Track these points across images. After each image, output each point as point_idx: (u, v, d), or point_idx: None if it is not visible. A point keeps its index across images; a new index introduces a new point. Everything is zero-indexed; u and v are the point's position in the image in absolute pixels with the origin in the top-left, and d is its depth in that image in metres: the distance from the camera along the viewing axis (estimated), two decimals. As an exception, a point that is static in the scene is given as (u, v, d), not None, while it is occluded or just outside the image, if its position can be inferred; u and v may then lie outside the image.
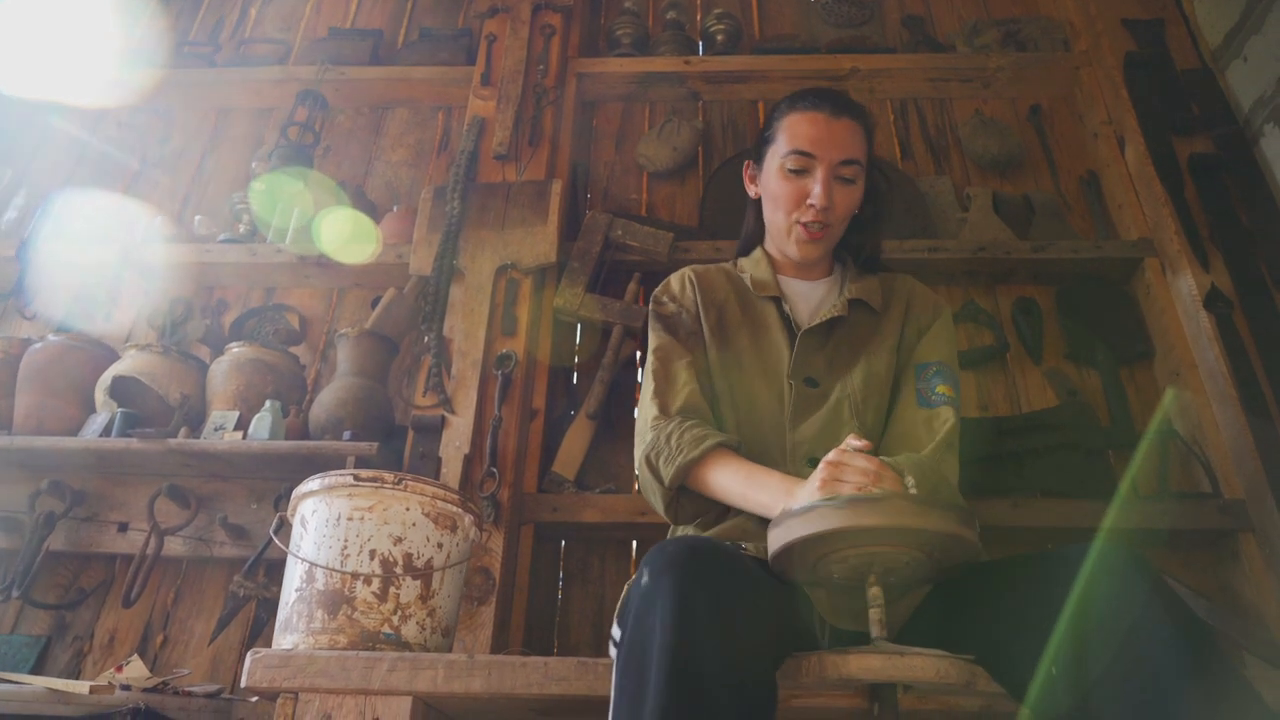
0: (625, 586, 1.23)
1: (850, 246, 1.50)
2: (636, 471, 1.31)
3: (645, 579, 0.96)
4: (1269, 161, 2.03)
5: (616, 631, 1.04)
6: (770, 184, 1.42)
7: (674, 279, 1.51)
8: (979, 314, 2.05)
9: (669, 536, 1.38)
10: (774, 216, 1.43)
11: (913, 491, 1.09)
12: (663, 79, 2.41)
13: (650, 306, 1.48)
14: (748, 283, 1.46)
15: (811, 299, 1.46)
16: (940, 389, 1.33)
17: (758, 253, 1.51)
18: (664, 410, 1.32)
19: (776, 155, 1.40)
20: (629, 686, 0.90)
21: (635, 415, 1.40)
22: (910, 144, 2.38)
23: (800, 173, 1.37)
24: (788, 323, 1.41)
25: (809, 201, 1.36)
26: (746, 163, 1.52)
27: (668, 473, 1.24)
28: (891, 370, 1.38)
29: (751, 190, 1.51)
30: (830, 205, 1.35)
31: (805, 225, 1.38)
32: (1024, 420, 1.89)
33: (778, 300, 1.43)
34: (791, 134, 1.37)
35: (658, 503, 1.30)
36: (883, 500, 1.00)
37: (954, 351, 1.42)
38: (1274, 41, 2.05)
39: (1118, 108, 2.19)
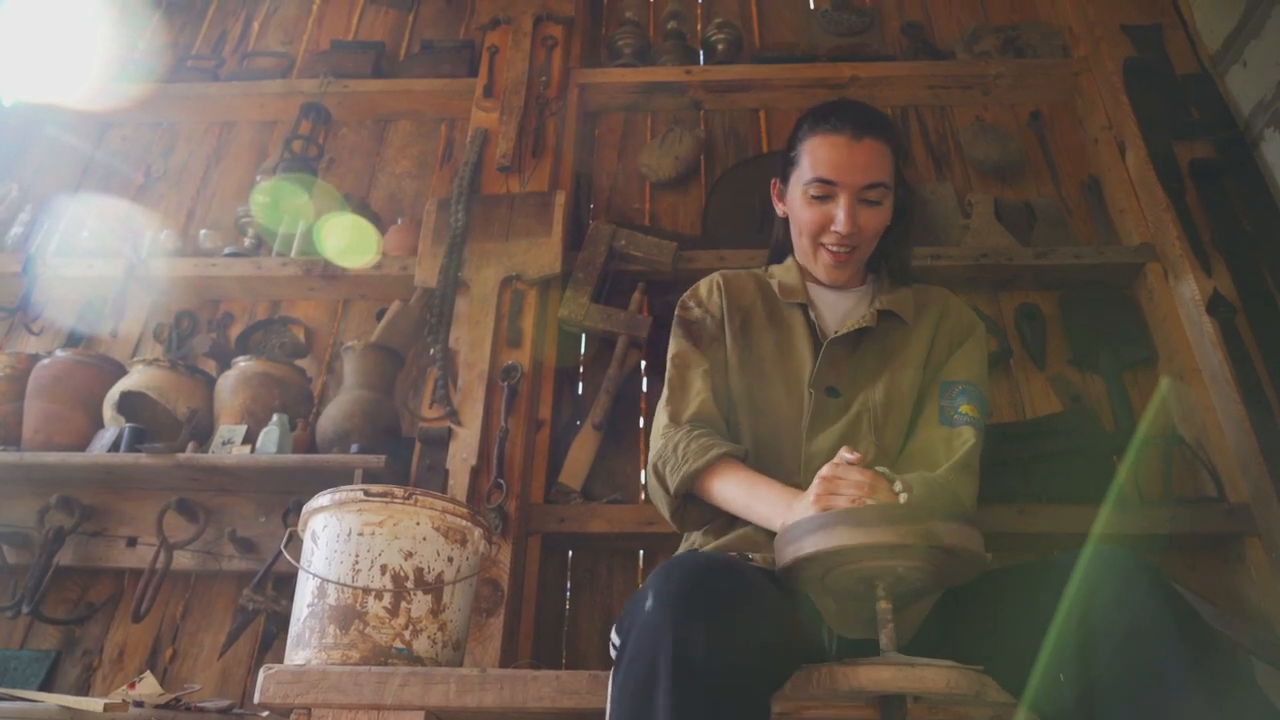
0: (634, 595, 1.23)
1: (882, 254, 1.47)
2: (645, 478, 1.32)
3: (650, 604, 0.95)
4: (1270, 165, 2.04)
5: (616, 639, 1.04)
6: (795, 207, 1.40)
7: (703, 284, 1.50)
8: (983, 321, 2.05)
9: (681, 544, 1.39)
10: (800, 240, 1.42)
11: (903, 501, 1.09)
12: (664, 88, 2.42)
13: (676, 312, 1.48)
14: (775, 289, 1.45)
15: (840, 308, 1.44)
16: (964, 408, 1.31)
17: (789, 260, 1.49)
18: (674, 419, 1.32)
19: (800, 180, 1.37)
20: (628, 709, 0.90)
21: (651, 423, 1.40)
22: (911, 151, 2.39)
23: (824, 199, 1.35)
24: (813, 330, 1.39)
25: (833, 228, 1.34)
26: (774, 181, 1.49)
27: (673, 481, 1.25)
28: (917, 385, 1.36)
29: (779, 209, 1.49)
30: (855, 231, 1.33)
31: (831, 250, 1.37)
32: (1029, 426, 1.90)
33: (804, 307, 1.41)
34: (814, 159, 1.34)
35: (664, 510, 1.32)
36: (867, 513, 1.00)
37: (984, 372, 1.40)
38: (1273, 45, 2.05)
39: (1118, 113, 2.20)
